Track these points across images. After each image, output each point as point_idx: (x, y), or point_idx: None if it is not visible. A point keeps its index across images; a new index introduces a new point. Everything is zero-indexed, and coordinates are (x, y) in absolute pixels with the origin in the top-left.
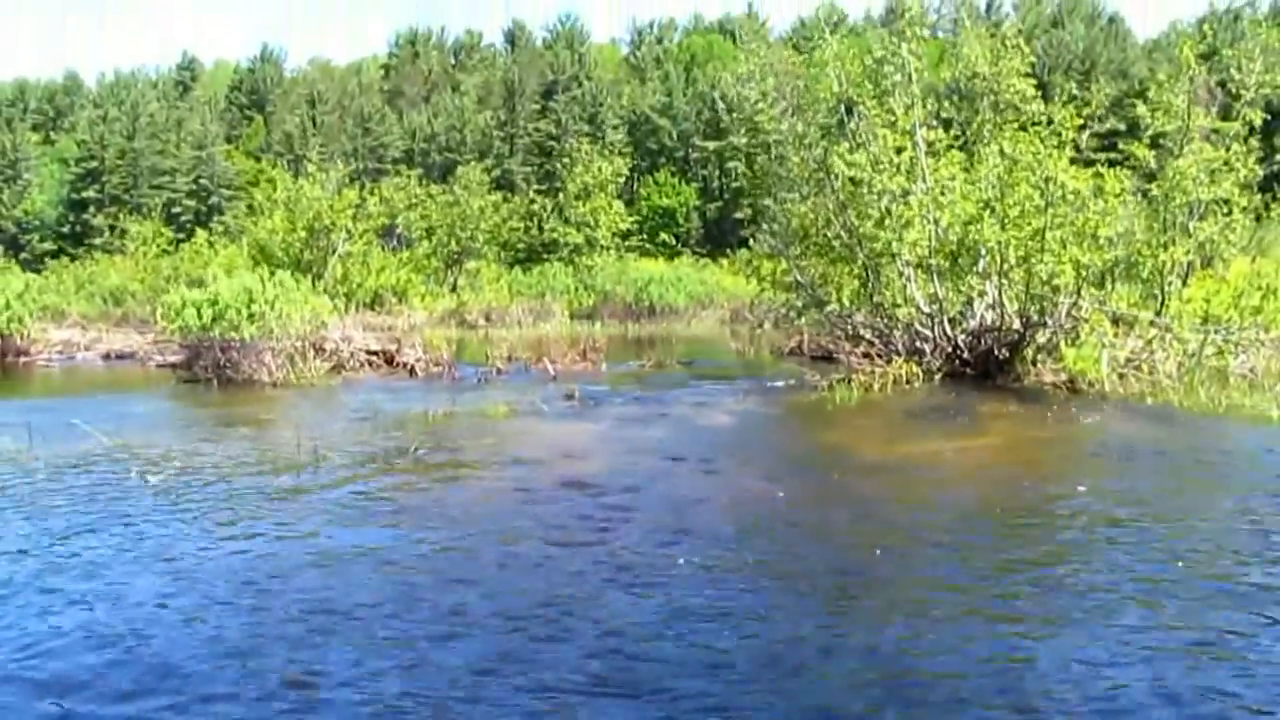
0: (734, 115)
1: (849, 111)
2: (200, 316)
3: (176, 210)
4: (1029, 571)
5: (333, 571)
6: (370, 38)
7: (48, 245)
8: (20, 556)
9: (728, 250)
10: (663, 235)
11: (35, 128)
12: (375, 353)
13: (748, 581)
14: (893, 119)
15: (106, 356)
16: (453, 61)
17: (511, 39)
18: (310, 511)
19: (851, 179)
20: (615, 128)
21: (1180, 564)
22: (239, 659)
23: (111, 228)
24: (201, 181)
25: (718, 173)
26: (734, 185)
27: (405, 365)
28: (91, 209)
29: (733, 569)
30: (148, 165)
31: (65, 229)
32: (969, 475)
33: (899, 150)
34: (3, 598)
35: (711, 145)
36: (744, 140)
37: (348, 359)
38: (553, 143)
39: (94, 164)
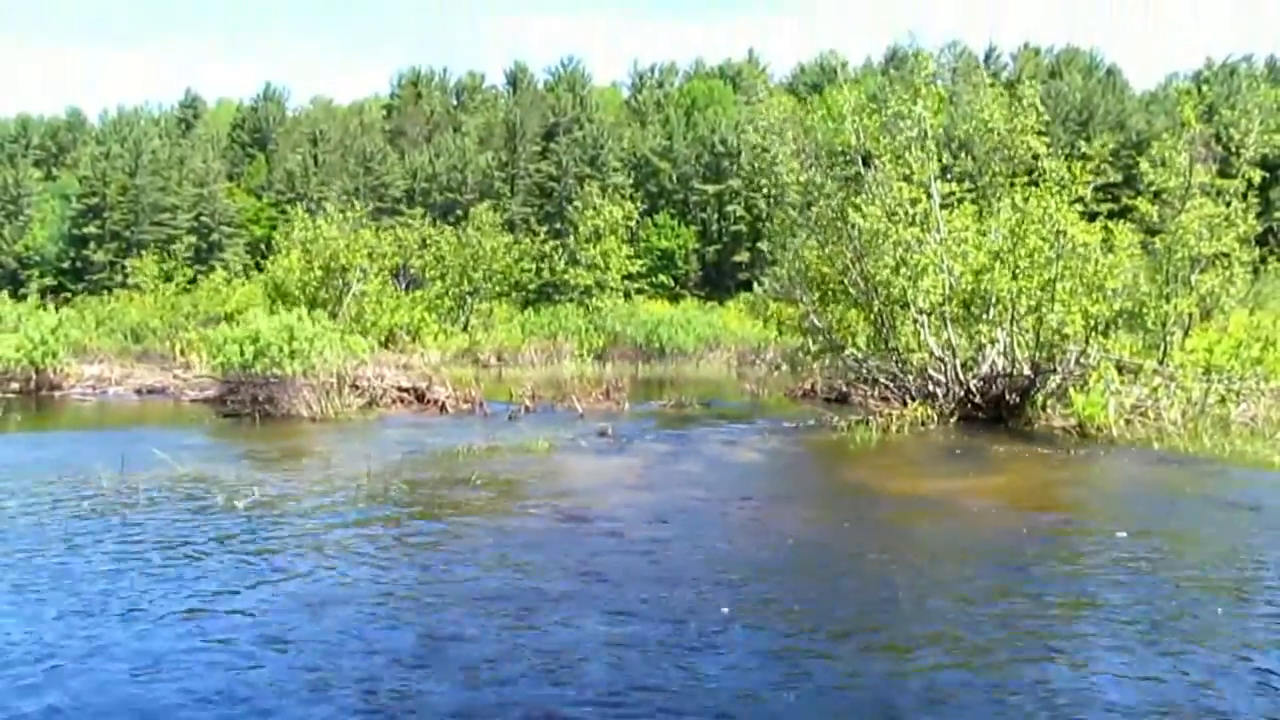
0: (754, 165)
1: (865, 163)
2: (242, 353)
3: (176, 247)
4: (1064, 606)
5: (426, 600)
6: (372, 78)
7: (48, 281)
8: (148, 577)
9: (726, 293)
10: (661, 277)
11: (37, 163)
12: (406, 389)
13: (795, 626)
14: (908, 173)
15: (138, 391)
16: (454, 102)
17: (513, 81)
18: (393, 538)
19: (867, 229)
20: (616, 170)
21: (1220, 610)
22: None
23: (113, 264)
24: (203, 219)
25: (717, 216)
26: (733, 229)
27: (436, 402)
28: (92, 245)
29: (782, 612)
30: (149, 202)
31: (66, 265)
32: (999, 513)
33: (914, 202)
34: (134, 615)
35: (711, 189)
36: (764, 189)
37: (380, 395)
38: (553, 184)
39: (95, 200)
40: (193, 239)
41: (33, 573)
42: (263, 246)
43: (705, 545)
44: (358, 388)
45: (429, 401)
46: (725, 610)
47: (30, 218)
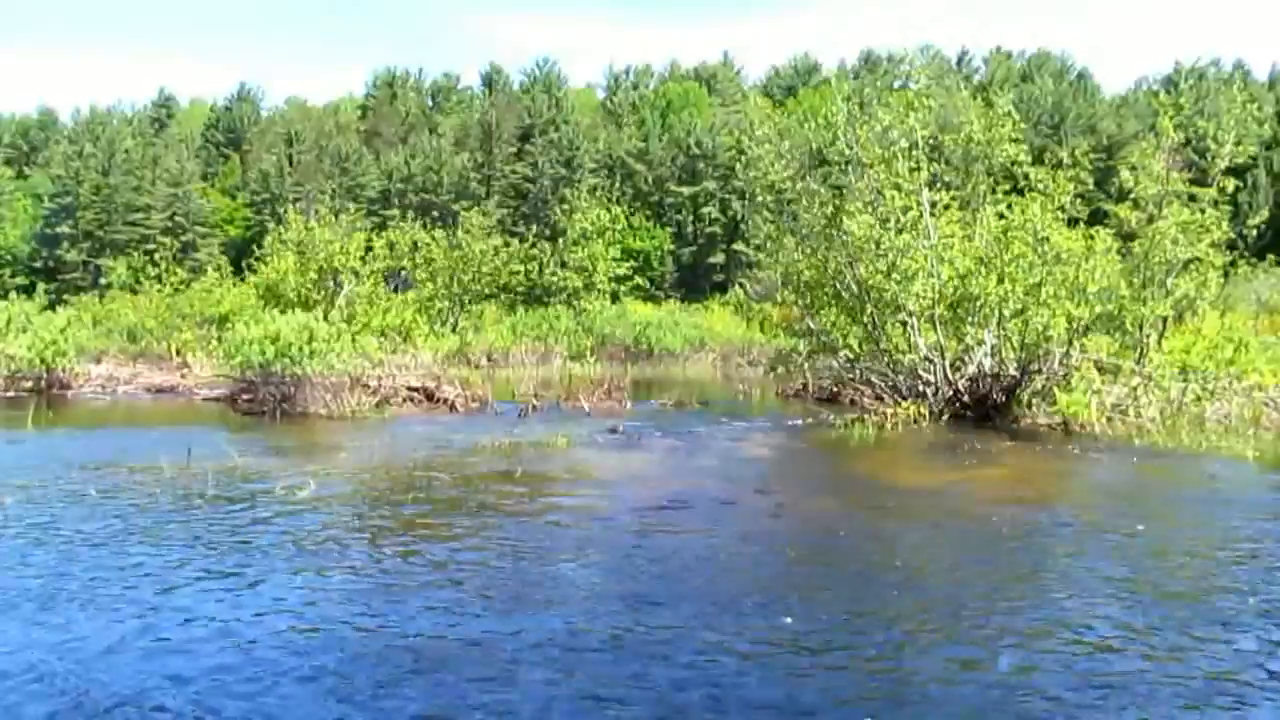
0: (747, 173)
1: (854, 169)
2: (262, 352)
3: (154, 247)
4: (1063, 584)
5: (508, 582)
6: (347, 78)
7: (19, 280)
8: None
9: (702, 294)
10: (637, 279)
11: (8, 162)
12: (416, 389)
13: (846, 617)
14: (898, 181)
15: (148, 390)
16: (430, 103)
17: (489, 82)
18: (458, 527)
19: (860, 236)
20: (592, 171)
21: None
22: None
23: (85, 263)
24: (177, 219)
25: (692, 218)
26: (708, 230)
27: (445, 401)
28: (65, 244)
29: (837, 604)
30: (123, 201)
31: (38, 264)
32: (1002, 503)
33: (905, 210)
34: (222, 591)
35: (686, 190)
36: (758, 197)
37: (391, 394)
38: (529, 185)
39: (68, 199)
40: (166, 239)
41: (135, 556)
42: (253, 248)
43: (748, 537)
44: (368, 387)
45: (438, 401)
46: (789, 620)
47: (2, 216)
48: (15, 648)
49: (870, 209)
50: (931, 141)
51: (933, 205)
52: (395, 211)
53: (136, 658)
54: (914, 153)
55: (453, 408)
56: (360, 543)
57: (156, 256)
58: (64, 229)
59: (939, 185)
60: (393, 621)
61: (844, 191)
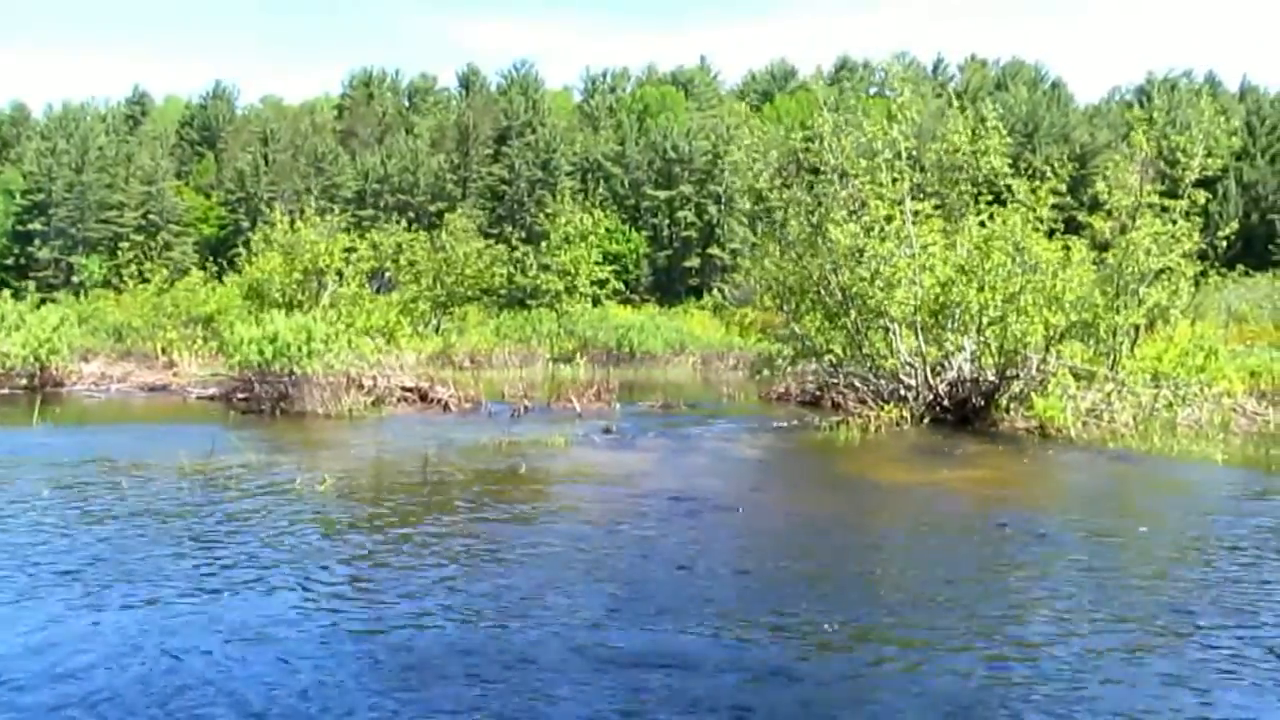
0: (739, 182)
1: (841, 179)
2: (261, 352)
3: (125, 245)
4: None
5: (533, 584)
6: (323, 77)
7: None
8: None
9: (677, 298)
10: (613, 282)
11: None
12: (410, 389)
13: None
14: (882, 190)
15: (141, 389)
16: (406, 104)
17: (466, 83)
18: (478, 520)
19: (845, 244)
20: (569, 174)
21: (1158, 572)
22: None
23: (58, 261)
24: (150, 217)
25: (668, 221)
26: (684, 234)
27: (439, 401)
28: (37, 242)
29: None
30: (96, 199)
31: (10, 261)
32: (990, 501)
33: (888, 219)
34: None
35: (662, 194)
36: (750, 205)
37: (385, 394)
38: (505, 188)
39: (41, 196)
40: (140, 237)
41: (178, 547)
42: (227, 247)
43: (758, 538)
44: (363, 387)
45: (432, 401)
46: (828, 628)
47: None
48: (53, 636)
49: (854, 218)
50: (913, 152)
51: (915, 214)
52: (371, 212)
53: (159, 646)
54: (896, 163)
55: (446, 407)
56: (389, 536)
57: (138, 254)
58: (36, 226)
59: (921, 195)
60: (424, 619)
61: (826, 199)
